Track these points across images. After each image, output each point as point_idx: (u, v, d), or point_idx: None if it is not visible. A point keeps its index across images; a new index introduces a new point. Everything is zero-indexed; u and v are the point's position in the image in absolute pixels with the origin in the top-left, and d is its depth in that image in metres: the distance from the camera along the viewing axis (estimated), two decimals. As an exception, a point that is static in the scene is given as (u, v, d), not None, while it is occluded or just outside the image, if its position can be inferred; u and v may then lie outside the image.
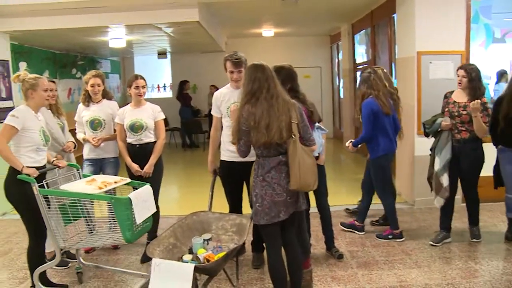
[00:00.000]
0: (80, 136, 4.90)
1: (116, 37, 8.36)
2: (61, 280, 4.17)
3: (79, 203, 3.60)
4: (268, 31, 11.28)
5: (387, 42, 7.86)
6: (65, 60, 9.93)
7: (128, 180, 3.89)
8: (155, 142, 4.60)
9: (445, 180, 4.54)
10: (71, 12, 6.40)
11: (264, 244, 4.21)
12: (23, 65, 8.01)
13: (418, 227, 5.25)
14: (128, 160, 4.51)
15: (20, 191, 3.55)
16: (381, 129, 4.68)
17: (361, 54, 10.24)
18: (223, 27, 10.69)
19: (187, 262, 3.30)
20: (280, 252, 3.32)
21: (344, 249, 4.63)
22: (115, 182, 3.73)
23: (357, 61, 10.36)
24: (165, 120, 13.01)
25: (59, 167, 3.92)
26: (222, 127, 4.23)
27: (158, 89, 14.11)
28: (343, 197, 6.74)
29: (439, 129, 4.59)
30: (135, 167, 4.46)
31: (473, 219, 4.77)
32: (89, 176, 3.99)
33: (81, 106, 4.87)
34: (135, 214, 3.39)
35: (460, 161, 4.55)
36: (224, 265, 3.43)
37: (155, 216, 4.40)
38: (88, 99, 4.81)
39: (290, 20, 9.86)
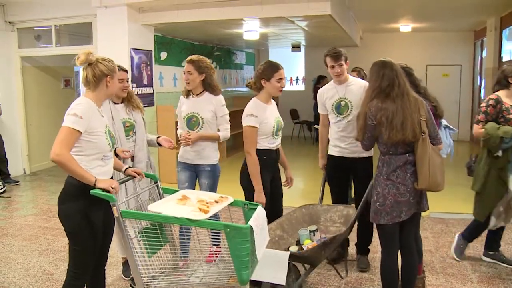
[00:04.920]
0: (179, 132, 4.11)
1: (251, 30, 8.63)
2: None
3: (163, 227, 2.86)
4: (405, 26, 10.80)
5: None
6: (202, 50, 10.49)
7: (231, 199, 2.95)
8: None
9: None
10: (209, 6, 6.77)
11: (369, 247, 4.22)
12: (164, 54, 8.67)
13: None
14: (261, 191, 3.56)
15: (76, 212, 2.69)
16: None
17: (509, 52, 9.33)
18: (358, 21, 10.49)
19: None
20: (396, 255, 3.22)
21: (466, 261, 4.30)
22: (216, 202, 2.86)
23: (504, 59, 9.47)
24: (296, 113, 13.28)
25: (135, 177, 3.06)
26: (329, 123, 4.15)
27: (291, 82, 14.33)
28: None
29: None
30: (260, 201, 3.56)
31: None
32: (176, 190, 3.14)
33: (182, 98, 4.10)
34: (256, 247, 2.63)
35: None
36: (323, 254, 3.37)
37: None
38: (189, 90, 4.01)
39: (430, 14, 9.32)
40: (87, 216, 2.71)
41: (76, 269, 2.80)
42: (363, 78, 5.63)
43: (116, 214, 2.60)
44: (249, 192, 3.63)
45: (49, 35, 8.05)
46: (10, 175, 7.76)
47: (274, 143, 3.69)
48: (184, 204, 2.82)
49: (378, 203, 3.12)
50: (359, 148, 3.51)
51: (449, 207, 5.87)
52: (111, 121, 3.54)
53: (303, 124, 13.13)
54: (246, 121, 3.57)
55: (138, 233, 2.77)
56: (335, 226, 3.73)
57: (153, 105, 7.69)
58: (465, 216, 5.57)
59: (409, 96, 3.09)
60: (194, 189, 3.98)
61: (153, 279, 2.78)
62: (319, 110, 4.22)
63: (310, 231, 3.58)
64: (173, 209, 2.73)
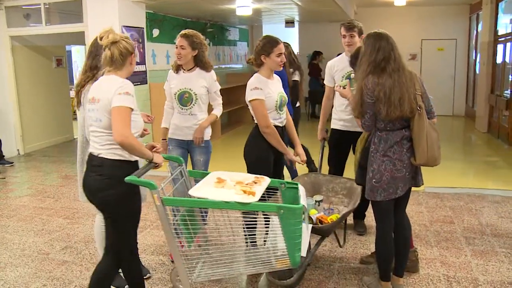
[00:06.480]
0: (166, 107, 4.05)
1: (243, 5, 8.51)
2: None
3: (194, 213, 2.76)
4: (400, 0, 10.65)
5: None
6: (195, 27, 10.18)
7: (268, 179, 2.87)
8: None
9: None
10: (201, -19, 6.65)
11: (365, 212, 4.36)
12: (156, 32, 8.54)
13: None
14: (290, 153, 3.60)
15: (123, 191, 2.59)
16: None
17: (505, 25, 9.27)
18: (353, -5, 10.38)
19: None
20: (391, 230, 3.22)
21: (460, 235, 4.33)
22: (255, 183, 2.74)
23: (500, 33, 9.41)
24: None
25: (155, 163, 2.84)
26: (334, 96, 4.22)
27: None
28: (470, 179, 6.34)
29: None
30: (297, 158, 3.69)
31: None
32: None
33: (171, 73, 3.98)
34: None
35: None
36: (336, 227, 3.46)
37: None
38: (179, 65, 3.90)
39: (425, -12, 9.24)
40: (133, 197, 2.66)
41: (121, 255, 2.76)
42: (290, 54, 5.65)
43: (157, 202, 2.43)
44: (253, 168, 3.48)
45: (39, 14, 7.89)
46: (4, 156, 7.71)
47: (279, 119, 3.57)
48: (223, 187, 2.67)
49: (374, 180, 3.06)
50: None
51: (443, 182, 5.89)
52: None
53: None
54: (251, 95, 3.45)
55: (176, 221, 2.63)
56: (337, 197, 3.77)
57: (146, 83, 7.62)
58: (460, 191, 5.62)
59: (404, 70, 3.00)
60: (186, 167, 3.83)
61: (194, 268, 2.68)
62: (325, 82, 4.29)
63: (316, 201, 3.60)
64: (217, 193, 2.57)
